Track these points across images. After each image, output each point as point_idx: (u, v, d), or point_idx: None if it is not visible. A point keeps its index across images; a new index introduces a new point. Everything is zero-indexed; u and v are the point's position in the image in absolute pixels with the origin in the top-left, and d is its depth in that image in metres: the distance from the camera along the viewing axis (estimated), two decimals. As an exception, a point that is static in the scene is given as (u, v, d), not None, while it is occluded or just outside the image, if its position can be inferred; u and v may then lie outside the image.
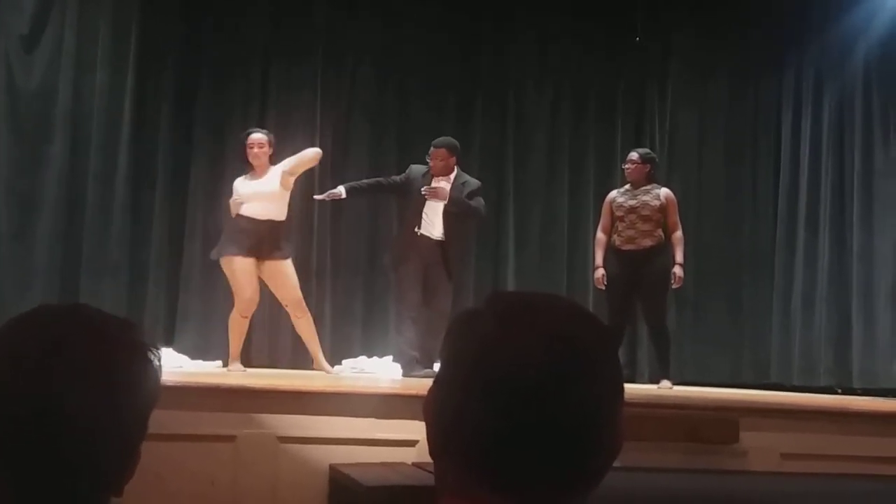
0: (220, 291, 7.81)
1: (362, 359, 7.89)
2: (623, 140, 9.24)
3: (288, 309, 7.03)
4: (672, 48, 9.45)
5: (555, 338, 1.08)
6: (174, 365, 6.66)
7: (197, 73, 8.19)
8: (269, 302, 7.22)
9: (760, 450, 4.76)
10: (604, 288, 7.33)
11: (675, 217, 7.25)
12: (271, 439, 4.31)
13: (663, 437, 4.57)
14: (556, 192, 9.08)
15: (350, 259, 8.31)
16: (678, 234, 7.22)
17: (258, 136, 6.94)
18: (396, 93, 8.74)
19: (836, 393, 8.19)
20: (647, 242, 7.17)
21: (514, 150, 9.02)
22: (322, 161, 7.09)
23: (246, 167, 6.96)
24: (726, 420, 4.87)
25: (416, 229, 6.90)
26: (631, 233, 7.19)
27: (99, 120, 7.89)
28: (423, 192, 6.83)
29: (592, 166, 9.19)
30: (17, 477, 1.19)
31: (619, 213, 7.25)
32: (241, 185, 6.94)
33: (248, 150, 6.90)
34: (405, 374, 6.84)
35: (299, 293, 6.99)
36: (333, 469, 4.26)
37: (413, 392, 4.78)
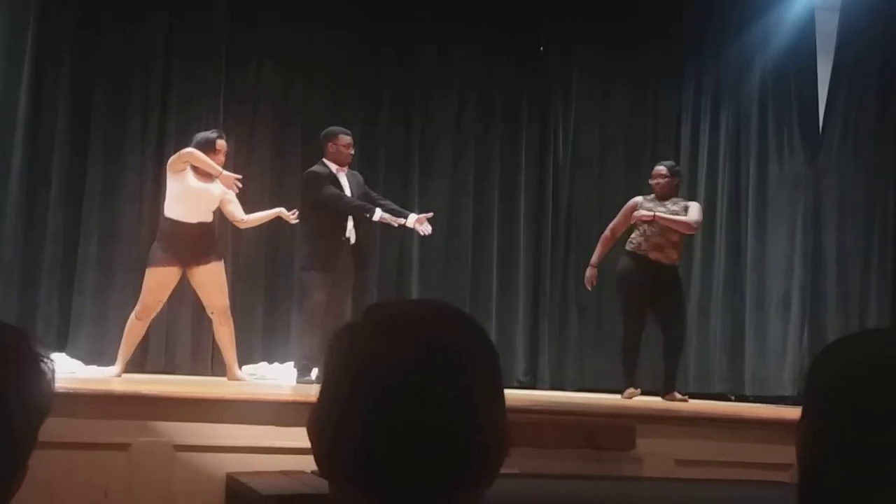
0: (115, 294, 7.66)
1: (262, 365, 7.81)
2: (527, 147, 9.31)
3: (212, 316, 6.79)
4: (575, 57, 9.52)
5: (429, 345, 1.08)
6: (67, 370, 6.50)
7: (95, 71, 8.00)
8: (166, 307, 7.07)
9: (656, 456, 4.84)
10: (590, 289, 7.30)
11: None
12: (167, 447, 4.24)
13: (561, 444, 4.63)
14: (461, 196, 9.11)
15: (250, 264, 8.22)
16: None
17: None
18: (301, 95, 8.66)
19: (730, 400, 8.38)
20: (674, 255, 7.13)
21: (420, 155, 9.02)
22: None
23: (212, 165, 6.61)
24: (623, 427, 4.95)
25: (343, 236, 6.83)
26: (660, 240, 7.05)
27: (-8, 117, 7.68)
28: None
29: (497, 172, 9.23)
30: None
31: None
32: (198, 185, 6.63)
33: (219, 154, 6.67)
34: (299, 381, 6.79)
35: (227, 300, 6.81)
36: (230, 478, 4.21)
37: (313, 399, 4.74)
